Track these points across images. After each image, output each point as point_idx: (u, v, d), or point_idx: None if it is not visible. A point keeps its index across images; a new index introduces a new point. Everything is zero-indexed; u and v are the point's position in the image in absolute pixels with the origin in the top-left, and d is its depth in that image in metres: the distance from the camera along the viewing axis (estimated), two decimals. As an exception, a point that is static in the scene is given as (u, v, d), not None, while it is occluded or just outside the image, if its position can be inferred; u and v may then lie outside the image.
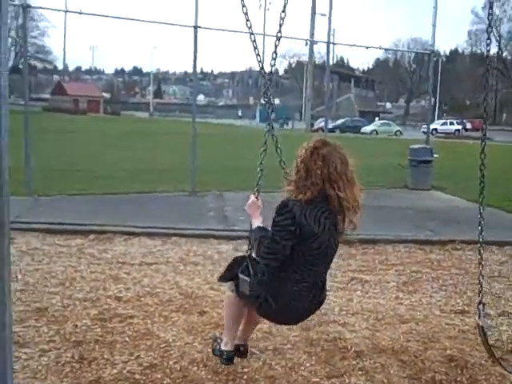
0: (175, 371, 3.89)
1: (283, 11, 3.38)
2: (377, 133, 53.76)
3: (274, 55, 3.41)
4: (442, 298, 5.72)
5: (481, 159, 3.65)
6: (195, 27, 11.52)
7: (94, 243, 7.25)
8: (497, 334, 4.75)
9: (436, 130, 54.18)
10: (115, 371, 3.83)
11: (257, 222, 3.44)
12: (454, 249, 7.85)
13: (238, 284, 3.43)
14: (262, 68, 3.49)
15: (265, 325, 4.59)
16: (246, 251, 3.59)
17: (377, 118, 64.93)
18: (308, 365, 4.09)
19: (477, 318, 3.73)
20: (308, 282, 3.29)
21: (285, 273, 3.24)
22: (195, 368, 3.95)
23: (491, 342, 4.23)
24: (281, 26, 3.35)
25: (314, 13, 57.12)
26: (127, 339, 4.34)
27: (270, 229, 3.23)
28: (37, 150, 11.71)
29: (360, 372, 4.00)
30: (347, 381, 3.87)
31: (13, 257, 6.26)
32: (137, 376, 3.78)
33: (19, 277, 5.66)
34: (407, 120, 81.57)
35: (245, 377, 3.89)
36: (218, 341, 3.86)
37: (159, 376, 3.81)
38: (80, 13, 12.35)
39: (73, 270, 6.05)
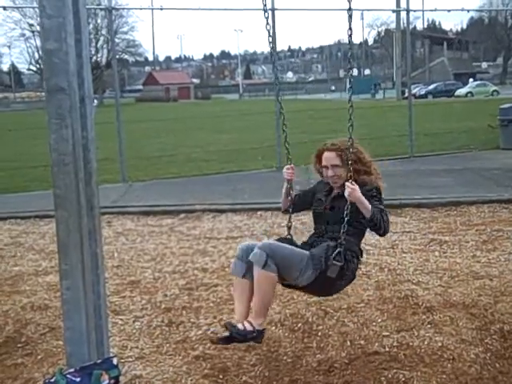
0: (255, 331, 4.22)
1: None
2: (472, 94, 51.72)
3: None
4: (522, 254, 5.74)
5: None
6: (272, 10, 11.75)
7: (184, 222, 7.74)
8: None
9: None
10: (200, 332, 4.23)
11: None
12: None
13: (325, 270, 3.48)
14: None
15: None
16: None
17: (471, 80, 62.37)
18: (379, 320, 4.31)
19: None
20: None
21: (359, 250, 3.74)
22: (273, 327, 4.27)
23: None
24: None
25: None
26: (211, 305, 4.74)
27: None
28: (130, 139, 12.43)
29: (429, 325, 4.18)
30: (416, 333, 4.07)
31: (109, 238, 6.87)
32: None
33: (115, 255, 6.20)
34: (506, 79, 77.86)
35: (319, 333, 4.17)
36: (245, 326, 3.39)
37: (240, 335, 4.15)
38: (161, 9, 13.04)
39: (163, 246, 6.54)
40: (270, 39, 3.90)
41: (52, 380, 2.79)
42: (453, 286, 4.90)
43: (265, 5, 3.78)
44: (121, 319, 4.49)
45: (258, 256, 3.36)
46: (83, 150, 2.73)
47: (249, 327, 3.34)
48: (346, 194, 3.49)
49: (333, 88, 73.00)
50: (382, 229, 3.55)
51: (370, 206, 3.50)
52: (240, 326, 3.34)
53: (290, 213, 3.99)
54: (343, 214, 3.51)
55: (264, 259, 3.34)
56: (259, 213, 8.05)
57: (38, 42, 66.48)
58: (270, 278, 3.38)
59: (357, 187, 3.48)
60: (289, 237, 3.85)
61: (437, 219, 7.41)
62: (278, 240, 3.76)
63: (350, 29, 3.58)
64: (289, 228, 3.92)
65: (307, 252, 3.52)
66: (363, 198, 3.49)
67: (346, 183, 3.51)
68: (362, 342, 4.01)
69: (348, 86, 4.01)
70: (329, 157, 3.84)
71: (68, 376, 2.76)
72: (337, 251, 3.49)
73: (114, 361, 2.91)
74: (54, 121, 2.65)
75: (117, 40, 48.10)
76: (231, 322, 3.42)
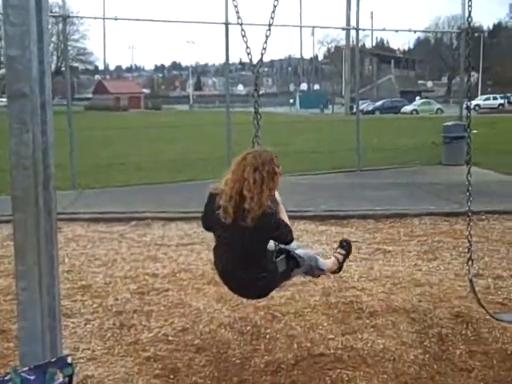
0: (205, 333, 4.35)
1: None
2: (417, 112, 53.07)
3: (265, 45, 3.69)
4: (460, 263, 6.00)
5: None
6: (226, 24, 11.94)
7: (134, 229, 7.78)
8: (506, 293, 5.07)
9: (479, 105, 53.23)
10: (151, 335, 4.32)
11: None
12: (479, 219, 8.07)
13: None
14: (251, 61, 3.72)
15: (288, 292, 5.03)
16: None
17: (417, 98, 64.05)
18: (325, 324, 4.50)
19: (467, 272, 4.09)
20: None
21: None
22: (223, 330, 4.41)
23: (499, 300, 4.58)
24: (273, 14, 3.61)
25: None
26: (162, 308, 4.83)
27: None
28: (80, 147, 12.34)
29: (372, 329, 4.39)
30: (360, 336, 4.27)
31: (60, 243, 6.83)
32: (170, 338, 4.26)
33: (66, 260, 6.22)
34: (450, 98, 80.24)
35: (267, 336, 4.33)
36: None
37: (190, 338, 4.28)
38: (116, 19, 13.05)
39: (114, 252, 6.59)
40: (249, 50, 3.75)
41: (6, 378, 2.83)
42: (395, 293, 5.13)
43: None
44: (72, 322, 4.54)
45: None
46: (43, 155, 2.81)
47: None
48: None
49: (291, 101, 73.56)
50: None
51: None
52: None
53: None
54: None
55: None
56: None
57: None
58: None
59: None
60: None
61: (381, 230, 7.68)
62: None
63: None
64: None
65: None
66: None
67: None
68: (309, 344, 4.18)
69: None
70: None
71: (22, 374, 2.81)
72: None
73: (68, 359, 2.96)
74: (16, 125, 2.72)
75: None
76: None
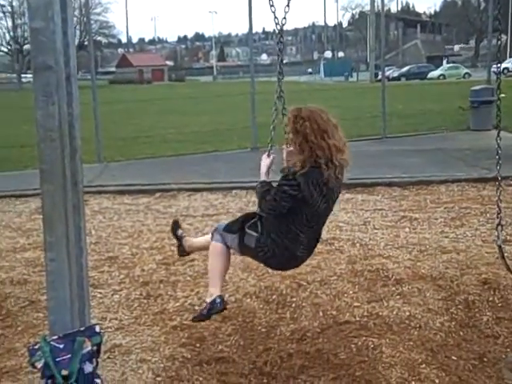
0: (231, 302, 4.36)
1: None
2: (444, 77, 52.21)
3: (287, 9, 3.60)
4: (487, 230, 5.94)
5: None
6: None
7: (160, 200, 7.84)
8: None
9: (507, 68, 52.04)
10: (177, 304, 4.37)
11: (262, 177, 3.60)
12: (508, 185, 7.93)
13: (242, 236, 3.55)
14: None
15: (313, 260, 5.01)
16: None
17: (444, 62, 62.93)
18: (351, 292, 4.49)
19: (496, 238, 4.03)
20: (307, 237, 3.46)
21: (290, 230, 3.43)
22: (248, 299, 4.42)
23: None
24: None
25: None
26: (188, 278, 4.88)
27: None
28: (105, 121, 12.42)
29: (398, 296, 4.37)
30: (385, 304, 4.25)
31: (86, 216, 6.90)
32: (196, 307, 4.28)
33: (93, 232, 6.29)
34: (478, 61, 78.66)
35: (293, 305, 4.34)
36: (206, 302, 3.56)
37: (216, 307, 4.30)
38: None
39: (140, 224, 6.64)
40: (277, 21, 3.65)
41: (36, 347, 2.89)
42: (421, 260, 5.09)
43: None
44: (100, 292, 4.61)
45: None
46: (69, 127, 2.82)
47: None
48: None
49: (309, 70, 72.94)
50: (258, 205, 3.57)
51: (260, 180, 3.56)
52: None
53: None
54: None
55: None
56: (234, 191, 8.18)
57: (10, 23, 65.30)
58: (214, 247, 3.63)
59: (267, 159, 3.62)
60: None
61: (407, 197, 7.61)
62: (245, 215, 3.78)
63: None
64: None
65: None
66: (263, 169, 3.59)
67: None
68: (334, 312, 4.18)
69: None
70: None
71: (52, 343, 2.86)
72: (252, 221, 3.55)
73: (97, 328, 3.01)
74: (41, 98, 2.72)
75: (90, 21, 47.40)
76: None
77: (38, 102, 2.69)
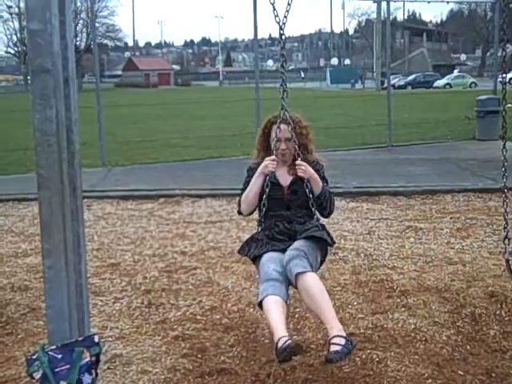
0: (233, 312, 4.31)
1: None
2: (451, 86, 52.15)
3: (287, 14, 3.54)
4: (494, 241, 5.87)
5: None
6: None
7: (163, 206, 7.79)
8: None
9: (513, 79, 51.97)
10: (179, 313, 4.30)
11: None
12: (515, 195, 7.88)
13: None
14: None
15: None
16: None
17: (455, 71, 62.89)
18: (355, 303, 4.42)
19: (503, 251, 3.96)
20: None
21: None
22: (251, 309, 4.35)
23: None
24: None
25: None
26: (191, 287, 4.81)
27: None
28: (109, 124, 12.40)
29: (403, 308, 4.29)
30: (390, 316, 4.17)
31: (89, 221, 6.89)
32: (198, 317, 4.23)
33: (95, 238, 6.24)
34: (484, 71, 78.58)
35: (296, 315, 4.27)
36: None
37: (218, 317, 4.24)
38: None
39: (143, 230, 6.59)
40: (281, 32, 3.63)
41: (34, 357, 2.83)
42: (427, 271, 5.02)
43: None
44: (101, 300, 4.55)
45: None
46: (67, 131, 2.76)
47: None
48: (301, 172, 3.59)
49: (302, 75, 72.85)
50: (327, 209, 3.68)
51: (321, 183, 3.64)
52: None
53: (261, 209, 3.95)
54: (306, 196, 3.64)
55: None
56: (238, 198, 8.10)
57: (17, 25, 65.47)
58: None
59: (306, 164, 3.63)
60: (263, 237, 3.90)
61: (413, 207, 7.54)
62: (251, 238, 3.92)
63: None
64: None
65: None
66: (316, 174, 3.64)
67: (297, 162, 3.62)
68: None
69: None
70: (284, 129, 3.74)
71: (50, 353, 2.80)
72: (326, 232, 3.68)
73: (96, 338, 2.95)
74: (39, 101, 2.67)
75: (96, 24, 47.56)
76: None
77: (35, 106, 2.64)
